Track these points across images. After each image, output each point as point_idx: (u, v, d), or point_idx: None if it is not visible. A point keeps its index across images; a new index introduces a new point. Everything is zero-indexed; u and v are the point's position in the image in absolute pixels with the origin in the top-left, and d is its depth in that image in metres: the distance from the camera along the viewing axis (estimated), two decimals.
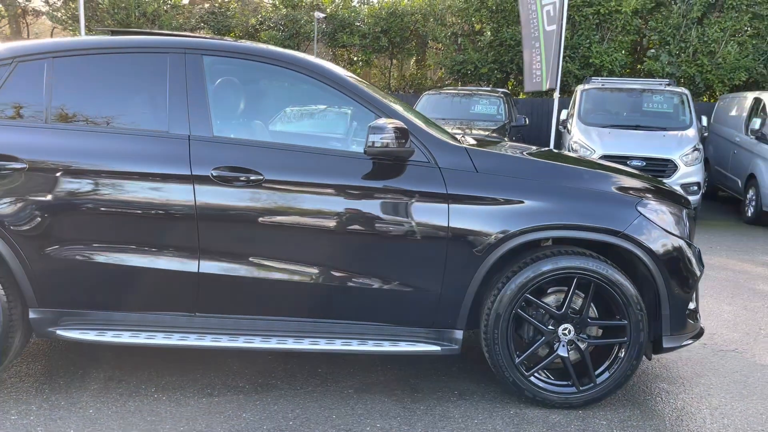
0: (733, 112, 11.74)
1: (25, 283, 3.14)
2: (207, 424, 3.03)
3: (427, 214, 3.16)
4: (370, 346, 3.26)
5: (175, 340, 3.22)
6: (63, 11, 19.06)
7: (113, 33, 3.48)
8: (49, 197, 3.09)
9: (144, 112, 3.29)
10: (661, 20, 15.57)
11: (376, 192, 3.17)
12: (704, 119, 10.46)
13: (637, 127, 9.99)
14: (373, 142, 3.04)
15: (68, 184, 3.10)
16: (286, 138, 3.79)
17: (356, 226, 3.18)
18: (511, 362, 3.24)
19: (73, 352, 3.78)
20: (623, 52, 15.83)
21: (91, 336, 3.21)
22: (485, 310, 3.25)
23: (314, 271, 3.20)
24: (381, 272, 3.21)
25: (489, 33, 15.90)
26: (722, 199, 11.80)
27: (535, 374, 3.29)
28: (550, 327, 3.26)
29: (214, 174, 3.10)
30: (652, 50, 15.60)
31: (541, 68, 11.51)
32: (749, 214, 9.82)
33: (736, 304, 5.33)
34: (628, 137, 9.55)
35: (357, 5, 19.26)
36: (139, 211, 3.13)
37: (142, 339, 3.21)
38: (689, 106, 10.43)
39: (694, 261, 3.35)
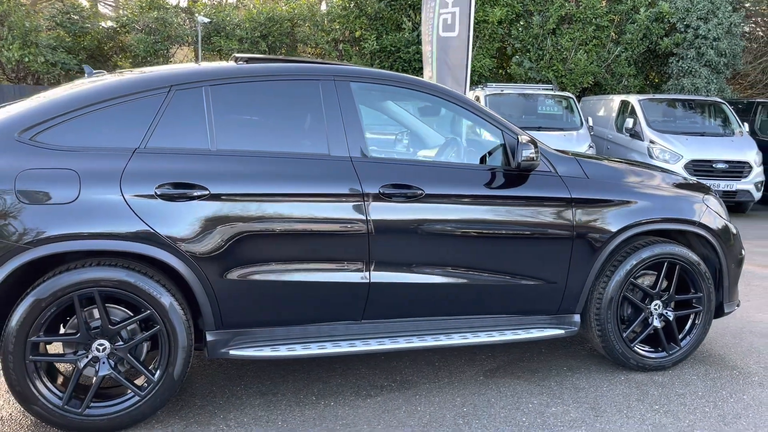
0: (601, 113, 13.45)
1: (207, 307, 3.19)
2: (398, 420, 3.31)
3: (556, 216, 3.68)
4: (509, 336, 3.72)
5: (344, 347, 3.43)
6: None
7: (248, 61, 3.55)
8: (227, 222, 3.15)
9: (301, 135, 3.45)
10: (522, 30, 17.25)
11: (516, 199, 3.62)
12: (590, 120, 11.95)
13: (539, 129, 11.17)
14: (524, 157, 3.50)
15: (245, 209, 3.18)
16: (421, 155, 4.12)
17: (500, 230, 3.60)
18: (620, 336, 3.87)
19: (199, 374, 3.80)
20: (490, 58, 17.30)
21: (266, 352, 3.32)
22: (596, 295, 3.84)
23: (464, 272, 3.58)
24: (520, 270, 3.67)
25: (373, 40, 16.57)
26: None
27: (637, 345, 3.94)
28: (646, 304, 3.94)
29: (382, 191, 3.37)
30: (517, 56, 17.22)
31: (432, 70, 12.30)
32: None
33: None
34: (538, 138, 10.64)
35: (228, 9, 18.92)
36: (314, 230, 3.31)
37: (314, 350, 3.38)
38: (576, 109, 11.87)
39: (740, 240, 4.21)
